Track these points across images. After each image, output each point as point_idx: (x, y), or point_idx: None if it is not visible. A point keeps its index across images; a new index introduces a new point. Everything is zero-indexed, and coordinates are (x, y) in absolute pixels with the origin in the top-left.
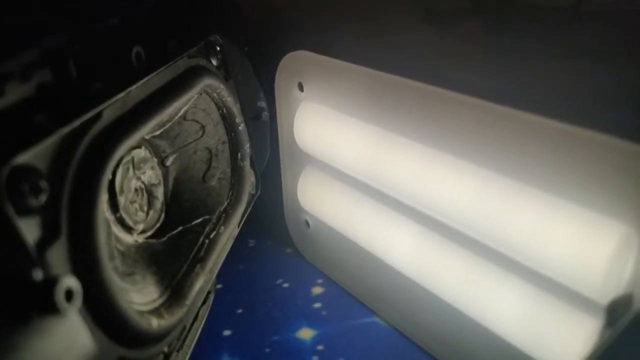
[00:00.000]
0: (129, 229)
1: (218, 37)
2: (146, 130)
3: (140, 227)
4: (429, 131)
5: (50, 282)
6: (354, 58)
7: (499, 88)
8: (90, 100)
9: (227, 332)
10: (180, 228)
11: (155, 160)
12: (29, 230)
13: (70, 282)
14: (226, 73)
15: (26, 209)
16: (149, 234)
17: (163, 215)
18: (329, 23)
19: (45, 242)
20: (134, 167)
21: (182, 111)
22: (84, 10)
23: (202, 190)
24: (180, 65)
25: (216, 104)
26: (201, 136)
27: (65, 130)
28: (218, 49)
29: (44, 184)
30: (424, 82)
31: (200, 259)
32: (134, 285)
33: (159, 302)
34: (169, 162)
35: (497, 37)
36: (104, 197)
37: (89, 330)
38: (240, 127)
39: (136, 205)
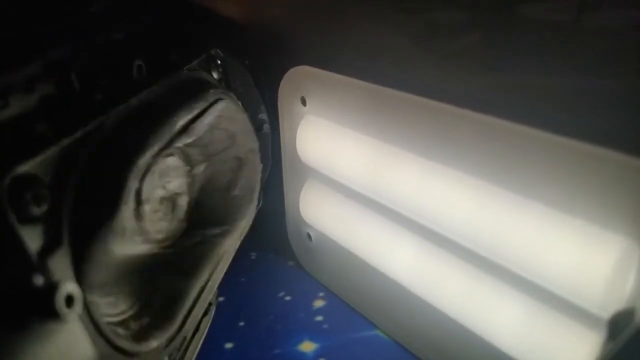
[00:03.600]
0: (147, 238)
1: (219, 51)
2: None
3: (159, 236)
4: (430, 144)
5: (51, 287)
6: (355, 73)
7: (499, 102)
8: (92, 112)
9: (228, 345)
10: (199, 237)
11: (185, 168)
12: (31, 237)
13: (71, 287)
14: (227, 86)
15: (28, 217)
16: (168, 243)
17: (184, 224)
18: (331, 39)
19: (46, 249)
20: (160, 175)
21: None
22: (87, 24)
23: (225, 200)
24: (181, 78)
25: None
26: (231, 145)
27: (67, 140)
28: (219, 62)
29: (45, 193)
30: (424, 96)
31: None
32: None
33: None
34: (197, 171)
35: (497, 51)
36: (131, 206)
37: (89, 337)
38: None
39: (159, 213)
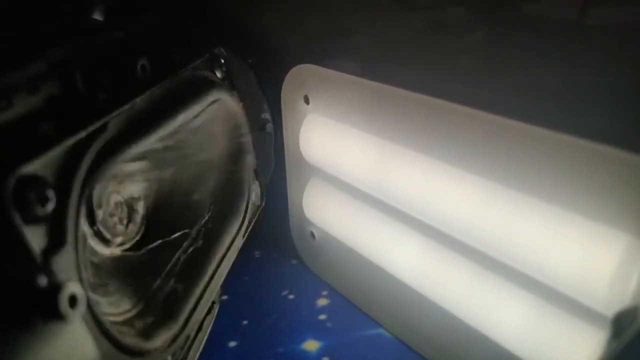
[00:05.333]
0: (106, 241)
1: (222, 50)
2: (151, 141)
3: (119, 239)
4: (433, 143)
5: (55, 288)
6: (358, 71)
7: (502, 100)
8: (96, 112)
9: (232, 344)
10: (162, 240)
11: (153, 172)
12: (35, 238)
13: (75, 288)
14: (231, 85)
15: (33, 218)
16: (128, 246)
17: (143, 229)
18: (334, 37)
19: (50, 249)
20: (114, 181)
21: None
22: (91, 23)
23: (183, 204)
24: (185, 77)
25: (218, 117)
26: (190, 152)
27: (71, 140)
28: (222, 61)
29: (50, 193)
30: (427, 94)
31: (194, 272)
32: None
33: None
34: (153, 176)
35: (500, 49)
36: (82, 210)
37: (92, 338)
38: (243, 139)
39: (115, 218)
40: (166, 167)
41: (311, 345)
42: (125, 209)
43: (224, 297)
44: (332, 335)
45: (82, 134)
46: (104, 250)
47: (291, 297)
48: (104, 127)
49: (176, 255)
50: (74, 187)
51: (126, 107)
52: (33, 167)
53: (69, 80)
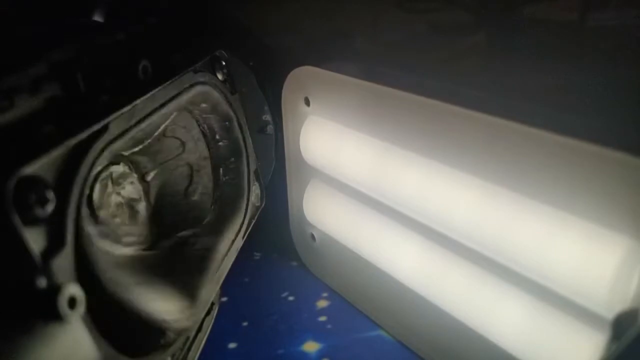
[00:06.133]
0: (115, 242)
1: (223, 52)
2: (118, 146)
3: (128, 240)
4: (434, 145)
5: (54, 289)
6: (359, 73)
7: (502, 102)
8: (97, 113)
9: (232, 345)
10: (171, 240)
11: (135, 176)
12: (35, 239)
13: (74, 289)
14: (232, 87)
15: (32, 219)
16: (139, 247)
17: (148, 229)
18: (334, 39)
19: (50, 251)
20: (112, 182)
21: (161, 128)
22: (93, 24)
23: (184, 205)
24: (186, 79)
25: (197, 121)
26: (181, 152)
27: (72, 142)
28: (224, 63)
29: (50, 195)
30: (428, 96)
31: (200, 270)
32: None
33: (174, 312)
34: (149, 178)
35: (501, 52)
36: (84, 212)
37: (92, 339)
38: (243, 140)
39: (118, 219)
40: (147, 171)
41: (311, 346)
42: (126, 210)
43: (224, 299)
44: (332, 337)
45: (83, 135)
46: (117, 250)
47: (291, 298)
48: (104, 129)
49: (189, 254)
50: (74, 188)
51: (127, 108)
52: (34, 168)
53: (70, 81)
